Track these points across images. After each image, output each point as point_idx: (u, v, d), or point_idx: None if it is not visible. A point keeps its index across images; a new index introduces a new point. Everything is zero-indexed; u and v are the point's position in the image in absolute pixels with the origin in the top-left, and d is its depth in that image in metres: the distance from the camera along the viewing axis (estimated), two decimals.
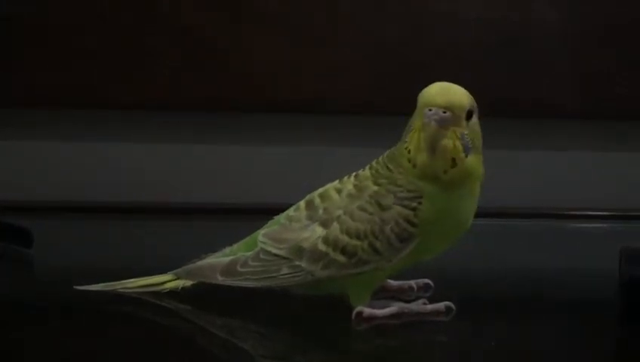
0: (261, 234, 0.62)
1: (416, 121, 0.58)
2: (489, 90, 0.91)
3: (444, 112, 0.57)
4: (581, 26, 0.96)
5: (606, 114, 0.97)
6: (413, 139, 0.58)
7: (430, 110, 0.57)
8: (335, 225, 0.59)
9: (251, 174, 0.98)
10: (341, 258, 0.59)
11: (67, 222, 0.89)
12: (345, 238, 0.59)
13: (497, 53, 0.96)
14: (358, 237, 0.59)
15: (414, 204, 0.58)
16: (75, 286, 0.63)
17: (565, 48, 0.96)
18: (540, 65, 0.97)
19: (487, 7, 0.96)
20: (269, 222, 0.63)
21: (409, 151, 0.58)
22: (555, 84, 0.97)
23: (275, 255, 0.61)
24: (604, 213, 0.94)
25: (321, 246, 0.59)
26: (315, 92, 0.96)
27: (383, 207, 0.59)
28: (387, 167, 0.60)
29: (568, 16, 0.96)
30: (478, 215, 0.61)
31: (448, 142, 0.57)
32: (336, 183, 0.62)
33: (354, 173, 0.62)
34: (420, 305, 0.61)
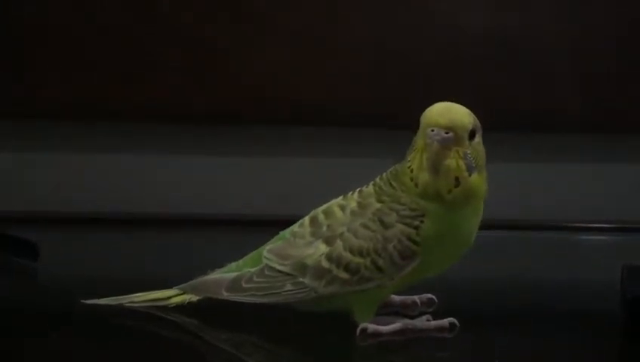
0: (266, 250, 0.62)
1: (419, 141, 0.59)
2: (494, 103, 0.93)
3: (447, 133, 0.57)
4: (582, 31, 0.96)
5: (609, 125, 0.97)
6: (416, 159, 0.58)
7: (433, 130, 0.57)
8: (338, 243, 0.60)
9: (257, 186, 0.98)
10: (344, 275, 0.59)
11: (72, 235, 0.89)
12: (348, 255, 0.59)
13: (499, 59, 0.96)
14: (361, 255, 0.59)
15: (417, 223, 0.59)
16: (82, 301, 0.64)
17: (567, 57, 0.97)
18: (543, 75, 0.97)
19: (488, 13, 0.96)
20: (275, 238, 0.63)
21: (412, 171, 0.59)
22: (559, 95, 0.97)
23: (279, 271, 0.61)
24: (607, 226, 0.95)
25: (325, 263, 0.60)
26: (317, 101, 0.96)
27: (385, 225, 0.59)
28: (390, 185, 0.60)
29: (568, 20, 0.96)
30: (480, 227, 0.61)
31: (451, 161, 0.58)
32: (340, 199, 0.62)
33: (358, 189, 0.62)
34: (423, 322, 0.61)
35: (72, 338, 0.60)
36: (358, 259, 0.59)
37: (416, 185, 0.58)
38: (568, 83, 0.97)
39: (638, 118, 0.97)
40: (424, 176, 0.58)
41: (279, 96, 0.96)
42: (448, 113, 0.58)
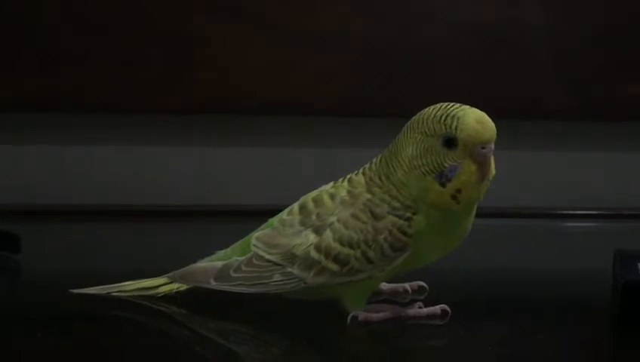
0: (254, 238, 0.62)
1: (464, 163, 0.57)
2: (482, 91, 0.93)
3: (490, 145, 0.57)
4: (575, 26, 0.97)
5: (600, 114, 0.97)
6: (464, 181, 0.57)
7: (484, 148, 0.56)
8: (328, 233, 0.59)
9: (244, 176, 0.98)
10: (333, 266, 0.59)
11: (55, 227, 0.88)
12: (337, 246, 0.59)
13: (489, 54, 0.96)
14: (350, 246, 0.59)
15: (409, 214, 0.58)
16: (70, 290, 0.63)
17: (559, 48, 0.97)
18: (533, 66, 0.97)
19: (478, 8, 0.96)
20: (264, 224, 0.63)
21: (458, 191, 0.57)
22: (547, 84, 0.97)
23: (268, 261, 0.60)
24: (598, 213, 0.95)
25: (314, 254, 0.59)
26: (306, 94, 0.95)
27: (376, 216, 0.58)
28: (380, 178, 0.59)
29: (562, 17, 0.96)
30: None
31: (493, 168, 0.58)
32: (329, 187, 0.61)
33: (348, 177, 0.61)
34: (415, 309, 0.61)
35: (57, 329, 0.59)
36: (347, 251, 0.58)
37: (458, 202, 0.57)
38: (559, 80, 0.97)
39: (628, 105, 0.97)
40: (477, 193, 0.58)
41: (266, 88, 0.95)
42: (488, 125, 0.57)
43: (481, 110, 0.58)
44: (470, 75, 0.95)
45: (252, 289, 0.60)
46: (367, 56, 0.96)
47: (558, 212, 0.95)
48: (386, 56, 0.96)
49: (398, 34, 0.96)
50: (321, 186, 0.62)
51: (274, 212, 0.63)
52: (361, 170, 0.61)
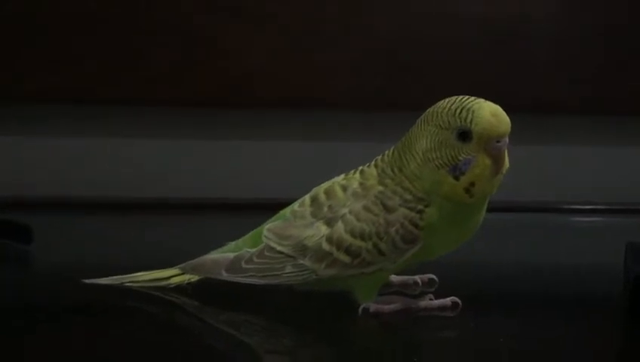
0: (266, 229, 0.62)
1: (475, 154, 0.57)
2: (488, 86, 0.92)
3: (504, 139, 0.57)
4: (579, 21, 0.97)
5: (611, 109, 0.97)
6: (478, 175, 0.57)
7: (499, 141, 0.56)
8: (339, 225, 0.59)
9: (254, 169, 0.98)
10: (345, 258, 0.59)
11: (66, 218, 0.88)
12: (349, 238, 0.59)
13: (494, 50, 0.96)
14: (362, 238, 0.59)
15: (421, 207, 0.58)
16: (83, 280, 0.63)
17: (564, 44, 0.97)
18: (540, 61, 0.97)
19: (486, 5, 0.96)
20: (274, 216, 0.63)
21: (472, 185, 0.57)
22: (556, 79, 0.97)
23: (279, 252, 0.60)
24: (609, 207, 0.95)
25: (325, 246, 0.59)
26: (315, 88, 0.96)
27: (388, 208, 0.58)
28: (392, 170, 0.59)
29: (566, 13, 0.96)
30: None
31: (507, 161, 0.58)
32: (341, 179, 0.61)
33: (359, 169, 0.61)
34: (426, 301, 0.61)
35: (69, 320, 0.60)
36: (359, 243, 0.59)
37: (471, 195, 0.57)
38: (569, 75, 0.97)
39: (636, 101, 0.97)
40: (490, 186, 0.58)
41: (271, 82, 0.96)
42: (503, 119, 0.57)
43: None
44: (480, 70, 0.95)
45: (263, 281, 0.60)
46: (375, 52, 0.96)
47: (569, 206, 0.95)
48: (395, 53, 0.96)
49: (404, 29, 0.96)
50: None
51: (282, 205, 0.63)
52: (373, 162, 0.61)
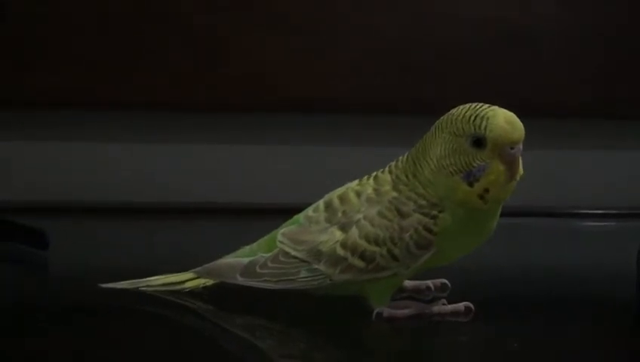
0: (280, 234, 0.62)
1: (490, 161, 0.57)
2: (495, 90, 0.93)
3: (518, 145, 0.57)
4: (583, 23, 0.97)
5: (620, 112, 0.97)
6: (492, 181, 0.57)
7: (513, 148, 0.57)
8: (354, 230, 0.59)
9: (268, 174, 0.98)
10: (359, 263, 0.59)
11: (82, 223, 0.89)
12: (363, 243, 0.59)
13: (499, 52, 0.96)
14: (376, 243, 0.59)
15: (435, 213, 0.58)
16: (100, 285, 0.64)
17: (569, 47, 0.97)
18: (549, 63, 0.97)
19: (488, 6, 0.96)
20: (288, 221, 0.63)
21: (486, 191, 0.58)
22: (565, 81, 0.97)
23: (294, 257, 0.61)
24: (621, 211, 0.95)
25: (340, 251, 0.60)
26: (325, 91, 0.96)
27: (402, 214, 0.59)
28: (406, 176, 0.60)
29: (571, 15, 0.97)
30: None
31: (521, 168, 0.58)
32: (355, 184, 0.62)
33: (373, 174, 0.62)
34: (439, 306, 0.61)
35: (84, 324, 0.60)
36: (373, 248, 0.59)
37: (485, 202, 0.58)
38: (579, 78, 0.97)
39: None
40: (504, 193, 0.58)
41: (281, 85, 0.96)
42: (517, 126, 0.57)
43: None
44: (485, 72, 0.96)
45: (278, 286, 0.61)
46: (380, 54, 0.97)
47: (581, 211, 0.95)
48: (400, 54, 0.96)
49: (421, 29, 0.96)
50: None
51: (295, 210, 0.63)
52: (387, 168, 0.61)
